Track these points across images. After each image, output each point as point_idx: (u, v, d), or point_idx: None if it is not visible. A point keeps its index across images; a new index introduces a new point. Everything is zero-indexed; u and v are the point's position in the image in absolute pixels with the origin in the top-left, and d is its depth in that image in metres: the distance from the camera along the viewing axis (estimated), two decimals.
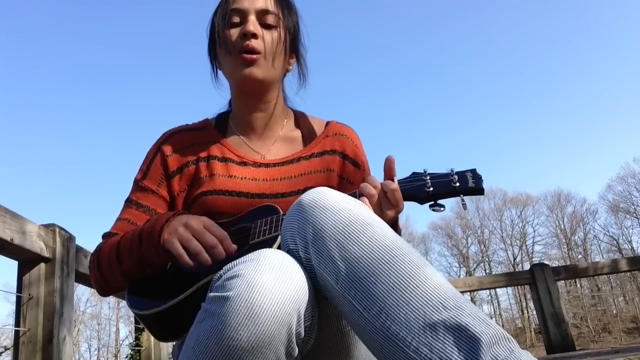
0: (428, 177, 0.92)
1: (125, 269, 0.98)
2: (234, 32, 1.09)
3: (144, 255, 0.95)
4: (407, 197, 0.93)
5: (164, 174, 1.13)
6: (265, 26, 1.11)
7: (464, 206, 0.92)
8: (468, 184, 0.90)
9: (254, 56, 1.08)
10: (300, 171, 1.13)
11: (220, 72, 1.20)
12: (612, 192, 34.79)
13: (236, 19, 1.10)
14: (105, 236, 1.09)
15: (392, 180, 0.94)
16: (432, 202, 0.92)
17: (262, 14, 1.10)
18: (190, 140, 1.17)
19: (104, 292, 1.07)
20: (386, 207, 0.93)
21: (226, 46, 1.09)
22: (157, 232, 0.93)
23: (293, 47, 1.18)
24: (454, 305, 0.66)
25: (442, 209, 0.92)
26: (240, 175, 1.10)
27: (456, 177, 0.91)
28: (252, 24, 1.08)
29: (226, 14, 1.10)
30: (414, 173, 0.95)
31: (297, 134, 1.21)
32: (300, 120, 1.24)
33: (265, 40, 1.09)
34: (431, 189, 0.91)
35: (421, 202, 0.93)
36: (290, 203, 0.83)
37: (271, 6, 1.12)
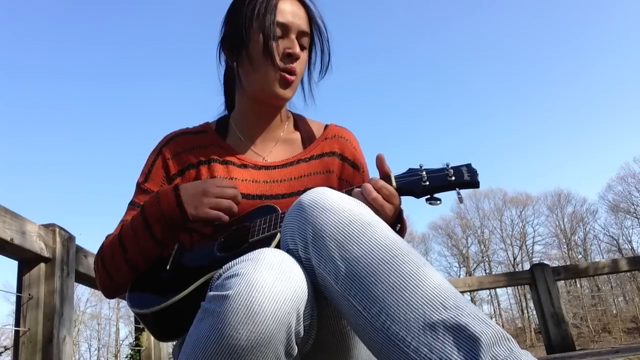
0: (424, 172, 0.94)
1: (130, 255, 1.00)
2: (275, 46, 1.07)
3: (155, 235, 0.98)
4: (404, 192, 0.94)
5: (165, 177, 1.14)
6: (301, 47, 1.11)
7: (460, 199, 0.93)
8: (463, 178, 0.91)
9: (293, 78, 1.09)
10: (300, 173, 1.13)
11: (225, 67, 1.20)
12: (612, 192, 34.84)
13: (278, 32, 1.09)
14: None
15: (389, 176, 0.95)
16: (429, 196, 0.93)
17: (300, 35, 1.11)
18: (191, 143, 1.17)
19: (109, 291, 1.07)
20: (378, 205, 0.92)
21: (271, 58, 1.07)
22: (178, 211, 0.98)
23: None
24: (453, 305, 0.66)
25: (438, 202, 0.93)
26: (240, 177, 1.11)
27: (452, 171, 0.92)
28: (297, 46, 1.09)
29: (271, 25, 1.07)
30: (410, 169, 0.96)
31: (297, 136, 1.22)
32: (300, 123, 1.25)
33: (300, 62, 1.11)
34: (427, 182, 0.92)
35: (418, 196, 0.94)
36: (290, 204, 0.83)
37: (308, 28, 1.13)
